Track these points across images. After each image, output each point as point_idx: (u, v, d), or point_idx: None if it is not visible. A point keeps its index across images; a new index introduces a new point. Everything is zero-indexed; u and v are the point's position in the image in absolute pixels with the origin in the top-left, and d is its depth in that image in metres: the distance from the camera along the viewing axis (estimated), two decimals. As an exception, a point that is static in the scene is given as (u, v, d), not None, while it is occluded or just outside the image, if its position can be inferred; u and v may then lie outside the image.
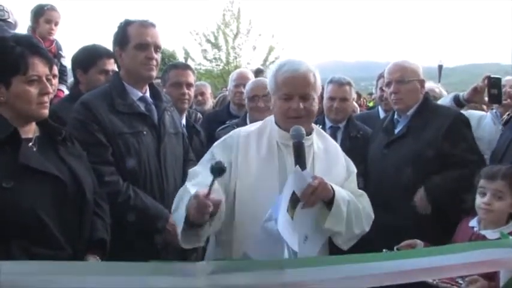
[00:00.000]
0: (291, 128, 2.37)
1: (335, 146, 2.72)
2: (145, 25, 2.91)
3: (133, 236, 2.74)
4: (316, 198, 2.30)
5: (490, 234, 2.60)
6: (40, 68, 2.21)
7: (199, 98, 5.66)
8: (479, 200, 2.73)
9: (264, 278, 1.83)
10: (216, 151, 2.53)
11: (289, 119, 2.45)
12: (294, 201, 2.26)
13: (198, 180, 2.29)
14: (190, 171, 2.53)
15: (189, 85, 3.84)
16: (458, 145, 3.15)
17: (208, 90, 6.14)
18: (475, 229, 2.75)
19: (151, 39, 2.89)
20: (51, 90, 2.30)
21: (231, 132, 2.63)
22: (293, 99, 2.43)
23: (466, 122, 3.34)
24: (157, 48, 2.93)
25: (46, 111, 2.27)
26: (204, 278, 1.73)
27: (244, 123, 3.73)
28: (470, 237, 2.72)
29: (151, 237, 2.84)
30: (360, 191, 2.66)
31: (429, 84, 5.12)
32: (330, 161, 2.60)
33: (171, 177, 2.97)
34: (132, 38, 2.87)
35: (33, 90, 2.18)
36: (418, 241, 2.68)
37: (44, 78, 2.22)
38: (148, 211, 2.80)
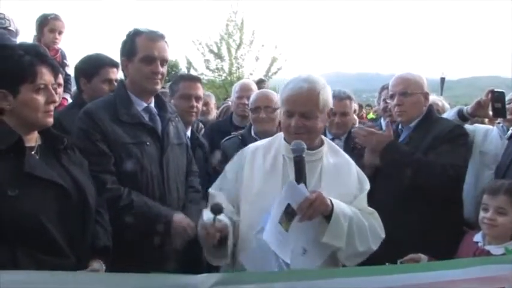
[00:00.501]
0: (292, 142, 2.45)
1: (348, 162, 2.72)
2: (153, 38, 2.89)
3: (137, 245, 2.71)
4: (313, 212, 2.31)
5: (495, 249, 2.59)
6: (47, 76, 2.22)
7: (204, 108, 5.65)
8: (482, 215, 2.72)
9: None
10: (228, 169, 2.73)
11: (291, 134, 2.54)
12: (290, 214, 2.31)
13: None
14: (212, 193, 2.69)
15: (198, 98, 3.82)
16: (448, 150, 3.16)
17: (213, 101, 6.13)
18: (480, 244, 2.74)
19: (159, 54, 2.88)
20: (57, 99, 2.31)
21: (242, 149, 2.76)
22: (294, 116, 2.50)
23: (463, 133, 3.34)
24: (163, 62, 2.92)
25: (51, 120, 2.27)
26: (206, 291, 1.72)
27: (249, 134, 3.73)
28: (475, 252, 2.71)
29: (155, 247, 2.81)
30: (370, 209, 2.64)
31: (432, 97, 5.10)
32: (340, 176, 2.60)
33: (173, 188, 2.97)
34: (139, 50, 2.86)
35: (41, 98, 2.19)
36: (422, 255, 2.66)
37: (50, 87, 2.23)
38: (151, 212, 2.76)
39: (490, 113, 3.40)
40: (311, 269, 2.41)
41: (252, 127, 3.81)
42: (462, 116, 3.61)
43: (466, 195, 3.37)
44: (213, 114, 5.94)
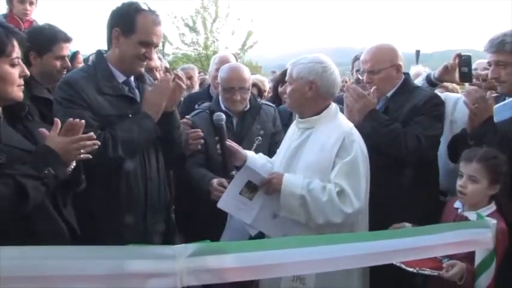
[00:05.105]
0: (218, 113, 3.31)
1: (338, 131, 2.85)
2: (156, 21, 2.82)
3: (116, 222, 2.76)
4: (271, 190, 2.80)
5: (472, 215, 2.61)
6: (19, 49, 2.18)
7: (188, 82, 5.54)
8: (457, 182, 2.76)
9: (243, 260, 1.82)
10: None
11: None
12: (253, 187, 2.86)
13: None
14: None
15: (157, 69, 3.75)
16: (423, 120, 3.17)
17: (196, 74, 5.99)
18: (459, 210, 2.79)
19: (156, 40, 2.85)
20: (28, 73, 2.26)
21: None
22: None
23: (439, 103, 3.31)
24: (156, 47, 2.92)
25: (22, 94, 2.24)
26: (183, 261, 1.71)
27: (218, 106, 3.62)
28: (455, 218, 2.76)
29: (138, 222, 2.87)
30: (341, 184, 2.69)
31: (418, 69, 5.13)
32: (319, 143, 2.81)
33: (153, 160, 2.95)
34: (140, 31, 2.78)
35: (15, 72, 2.16)
36: (407, 224, 2.71)
37: (21, 61, 2.20)
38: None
39: (457, 77, 3.40)
40: (290, 237, 2.54)
41: (220, 101, 3.69)
42: (430, 82, 3.61)
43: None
44: (197, 87, 5.80)
